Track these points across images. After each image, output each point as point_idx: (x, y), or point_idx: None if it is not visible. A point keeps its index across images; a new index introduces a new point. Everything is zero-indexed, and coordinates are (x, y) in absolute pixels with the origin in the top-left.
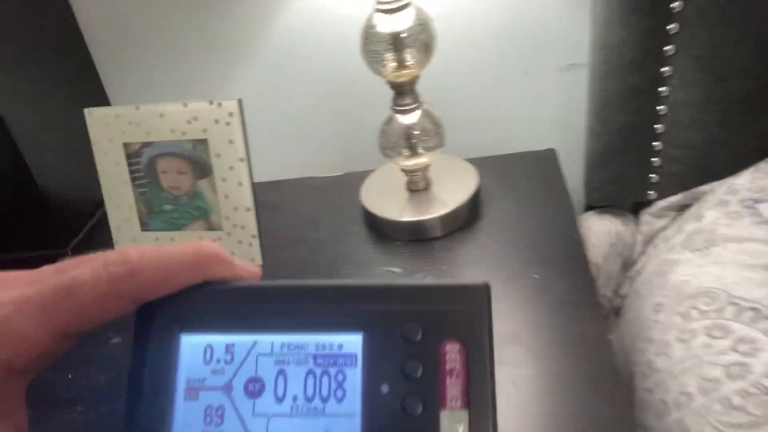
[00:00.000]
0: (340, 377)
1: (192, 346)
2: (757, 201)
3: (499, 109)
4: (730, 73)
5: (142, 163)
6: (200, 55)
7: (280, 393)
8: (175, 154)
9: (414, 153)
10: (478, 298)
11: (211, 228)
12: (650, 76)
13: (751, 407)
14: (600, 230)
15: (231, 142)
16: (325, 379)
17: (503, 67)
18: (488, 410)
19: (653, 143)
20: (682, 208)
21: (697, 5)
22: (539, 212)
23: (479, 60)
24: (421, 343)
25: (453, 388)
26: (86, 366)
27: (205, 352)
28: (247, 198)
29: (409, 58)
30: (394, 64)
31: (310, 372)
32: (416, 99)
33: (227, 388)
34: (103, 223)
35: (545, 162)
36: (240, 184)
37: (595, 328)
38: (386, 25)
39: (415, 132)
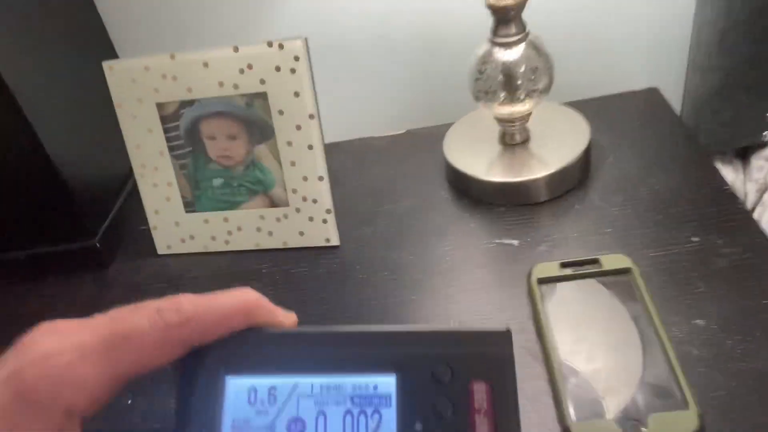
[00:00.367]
0: (376, 417)
1: (237, 388)
2: None
3: (580, 42)
4: None
5: (183, 127)
6: None
7: None
8: (224, 114)
9: (515, 98)
10: (501, 341)
11: (273, 204)
12: None
13: None
14: None
15: (297, 94)
16: (362, 419)
17: None
18: None
19: None
20: None
21: None
22: (666, 164)
23: None
24: (451, 383)
25: (482, 425)
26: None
27: (249, 394)
28: (319, 164)
29: None
30: None
31: (348, 412)
32: (523, 28)
33: (271, 428)
34: (133, 205)
35: (652, 104)
36: (310, 147)
37: None
38: None
39: (519, 71)
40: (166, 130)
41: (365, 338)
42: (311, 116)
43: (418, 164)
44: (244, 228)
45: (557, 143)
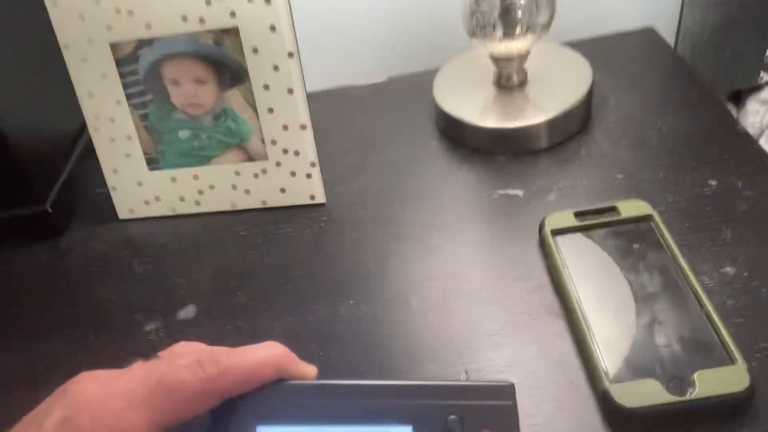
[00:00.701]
0: None
1: None
2: None
3: None
4: None
5: (142, 71)
6: None
7: None
8: (189, 54)
9: (513, 33)
10: (507, 394)
11: (249, 158)
12: None
13: None
14: None
15: (273, 28)
16: None
17: None
18: None
19: None
20: None
21: None
22: (672, 105)
23: None
24: None
25: None
26: None
27: None
28: (301, 110)
29: None
30: None
31: None
32: None
33: None
34: (90, 164)
35: (649, 43)
36: (290, 91)
37: None
38: None
39: (520, 1)
40: (122, 75)
41: (383, 391)
42: (290, 54)
43: (404, 114)
44: (217, 186)
45: (557, 85)
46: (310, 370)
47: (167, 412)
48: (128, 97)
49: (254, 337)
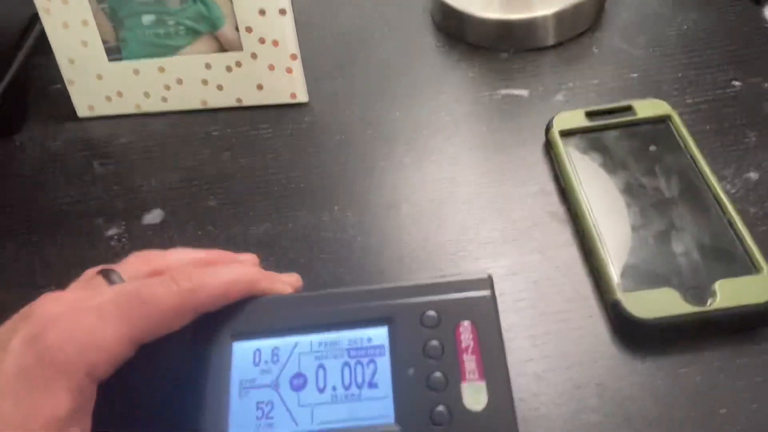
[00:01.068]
0: (371, 366)
1: (243, 351)
2: None
3: None
4: None
5: None
6: None
7: (321, 384)
8: None
9: None
10: (484, 285)
11: (222, 48)
12: None
13: None
14: None
15: None
16: (358, 369)
17: None
18: (503, 379)
19: None
20: None
21: None
22: (693, 0)
23: None
24: (439, 327)
25: (470, 362)
26: None
27: (254, 356)
28: None
29: None
30: None
31: (345, 364)
32: None
33: (275, 385)
34: (43, 55)
35: None
36: None
37: None
38: None
39: None
40: None
41: (357, 296)
42: None
43: (396, 3)
44: (186, 80)
45: None
46: (286, 286)
47: (141, 327)
48: None
49: (227, 244)
